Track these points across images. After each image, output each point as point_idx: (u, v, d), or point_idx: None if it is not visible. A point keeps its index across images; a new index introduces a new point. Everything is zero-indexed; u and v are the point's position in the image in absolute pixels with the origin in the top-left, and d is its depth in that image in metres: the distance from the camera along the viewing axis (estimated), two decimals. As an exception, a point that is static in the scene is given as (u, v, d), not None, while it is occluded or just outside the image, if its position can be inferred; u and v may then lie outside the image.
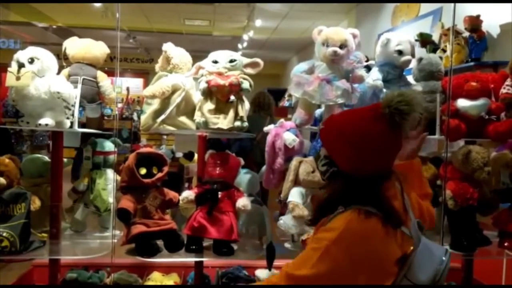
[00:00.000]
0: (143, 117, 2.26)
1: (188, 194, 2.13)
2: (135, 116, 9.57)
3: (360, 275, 1.26)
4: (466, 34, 3.72)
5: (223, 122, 2.07)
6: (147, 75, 13.54)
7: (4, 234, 1.95)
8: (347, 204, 1.34)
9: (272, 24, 8.95)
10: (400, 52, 2.24)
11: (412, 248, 1.30)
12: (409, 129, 1.40)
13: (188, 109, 2.21)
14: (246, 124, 2.11)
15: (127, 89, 10.85)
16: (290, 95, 9.52)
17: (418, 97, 1.38)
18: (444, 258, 1.35)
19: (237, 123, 2.09)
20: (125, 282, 2.65)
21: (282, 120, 2.38)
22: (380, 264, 1.29)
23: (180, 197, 2.15)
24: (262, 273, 2.72)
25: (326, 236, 1.29)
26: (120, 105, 9.66)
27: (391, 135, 1.36)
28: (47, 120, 2.08)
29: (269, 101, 4.85)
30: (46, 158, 2.39)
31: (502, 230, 2.26)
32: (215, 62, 2.13)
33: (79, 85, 2.23)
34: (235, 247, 2.13)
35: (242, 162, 2.26)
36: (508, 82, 2.24)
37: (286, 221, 2.10)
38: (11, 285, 2.80)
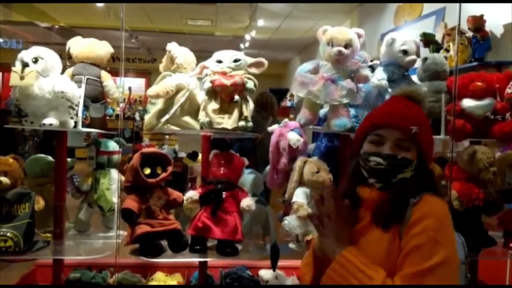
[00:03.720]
0: (147, 117, 2.25)
1: (193, 194, 2.12)
2: (137, 116, 9.59)
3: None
4: (470, 34, 3.72)
5: (228, 122, 2.06)
6: (149, 75, 13.58)
7: (8, 234, 1.95)
8: (415, 194, 1.31)
9: (274, 24, 8.95)
10: (405, 52, 2.23)
11: None
12: None
13: (192, 109, 2.21)
14: (250, 124, 2.10)
15: (129, 89, 10.89)
16: (292, 95, 9.52)
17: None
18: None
19: (241, 123, 2.08)
20: (128, 282, 2.64)
21: (286, 120, 2.37)
22: None
23: (184, 197, 2.14)
24: (265, 274, 2.72)
25: (425, 227, 1.23)
26: (122, 105, 9.68)
27: None
28: (51, 120, 2.07)
29: (272, 101, 4.85)
30: (50, 158, 2.38)
31: (507, 230, 2.26)
32: (219, 61, 2.13)
33: (83, 85, 2.22)
34: (239, 247, 2.12)
35: (247, 162, 2.25)
36: (513, 82, 2.23)
37: (290, 222, 2.10)
38: (14, 285, 2.80)
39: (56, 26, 9.62)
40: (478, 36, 3.66)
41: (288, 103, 9.95)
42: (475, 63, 3.62)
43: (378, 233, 1.32)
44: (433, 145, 1.43)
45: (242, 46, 10.32)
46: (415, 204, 1.28)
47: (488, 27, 3.68)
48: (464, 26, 3.71)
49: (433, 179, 1.43)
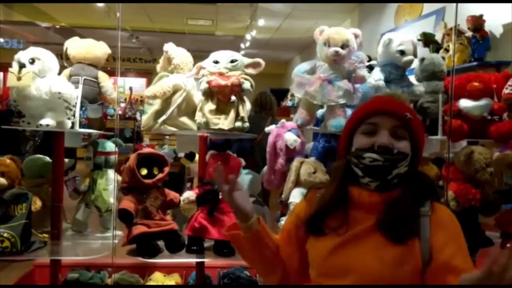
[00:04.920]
0: (144, 118, 2.26)
1: (189, 194, 2.13)
2: (138, 116, 9.57)
3: None
4: (469, 33, 3.71)
5: (224, 122, 2.06)
6: (150, 75, 13.54)
7: (5, 235, 1.95)
8: (420, 201, 1.31)
9: (274, 24, 8.94)
10: (402, 52, 2.22)
11: None
12: None
13: (189, 109, 2.21)
14: (247, 124, 2.10)
15: (130, 88, 10.87)
16: (292, 95, 9.49)
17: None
18: None
19: (238, 123, 2.08)
20: (126, 283, 2.64)
21: (283, 120, 2.37)
22: None
23: (181, 198, 2.15)
24: (263, 274, 2.71)
25: (455, 235, 1.26)
26: (122, 105, 9.67)
27: None
28: (48, 121, 2.08)
29: (271, 101, 4.84)
30: (48, 159, 2.39)
31: (505, 231, 2.25)
32: (216, 62, 2.13)
33: (80, 86, 2.23)
34: (236, 247, 2.12)
35: (243, 162, 2.25)
36: (510, 82, 2.23)
37: (287, 222, 2.09)
38: (12, 285, 2.80)
39: (57, 26, 9.63)
40: (478, 36, 3.64)
41: (289, 103, 9.94)
42: (474, 63, 3.61)
43: (384, 240, 1.24)
44: (424, 138, 1.39)
45: (242, 45, 10.30)
46: (431, 214, 1.28)
47: (487, 27, 3.66)
48: (464, 26, 3.70)
49: (432, 182, 1.42)
